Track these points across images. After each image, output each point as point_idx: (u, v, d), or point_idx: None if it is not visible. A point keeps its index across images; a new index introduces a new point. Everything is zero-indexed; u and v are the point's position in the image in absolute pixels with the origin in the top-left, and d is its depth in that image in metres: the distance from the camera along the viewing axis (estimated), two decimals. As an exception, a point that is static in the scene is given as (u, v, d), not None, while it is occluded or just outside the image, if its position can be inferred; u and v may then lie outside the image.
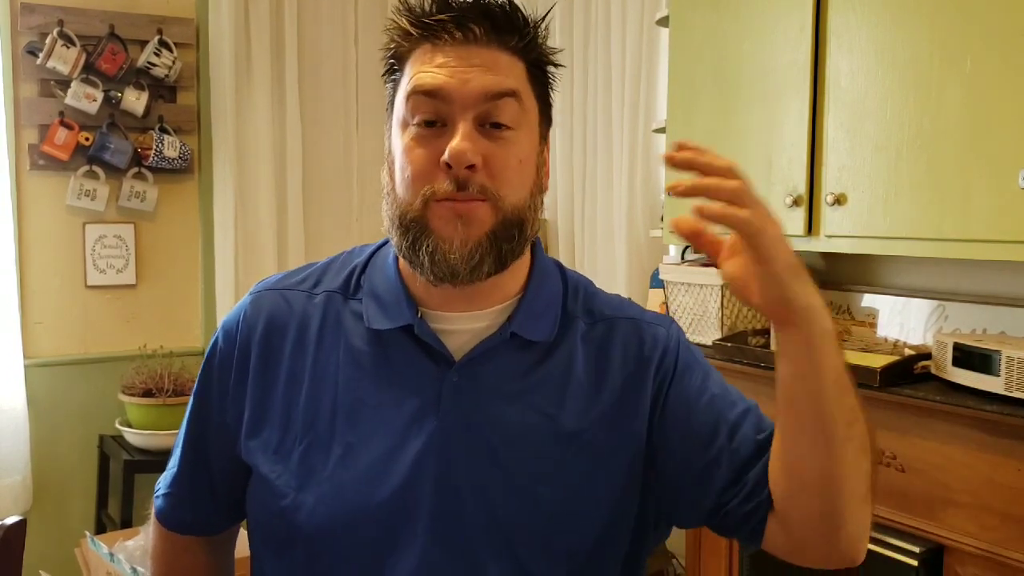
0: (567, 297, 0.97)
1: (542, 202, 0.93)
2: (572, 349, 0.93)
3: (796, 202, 1.94)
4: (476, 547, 0.87)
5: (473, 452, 0.88)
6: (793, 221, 1.95)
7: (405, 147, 0.87)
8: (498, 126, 0.86)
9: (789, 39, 1.95)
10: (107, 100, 2.90)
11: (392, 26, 0.90)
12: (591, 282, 1.02)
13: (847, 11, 1.85)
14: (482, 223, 0.85)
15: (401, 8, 0.90)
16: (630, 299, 1.04)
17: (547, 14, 0.94)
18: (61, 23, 2.83)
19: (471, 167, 0.84)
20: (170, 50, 2.98)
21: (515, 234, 0.87)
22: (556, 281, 0.97)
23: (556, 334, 0.93)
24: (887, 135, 1.78)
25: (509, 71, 0.87)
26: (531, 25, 0.89)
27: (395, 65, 0.91)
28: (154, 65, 2.96)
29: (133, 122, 2.97)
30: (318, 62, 3.30)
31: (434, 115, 0.85)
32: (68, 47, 2.82)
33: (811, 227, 1.94)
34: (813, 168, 1.93)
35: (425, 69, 0.86)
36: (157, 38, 2.96)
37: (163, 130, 3.01)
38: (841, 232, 1.87)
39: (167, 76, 2.98)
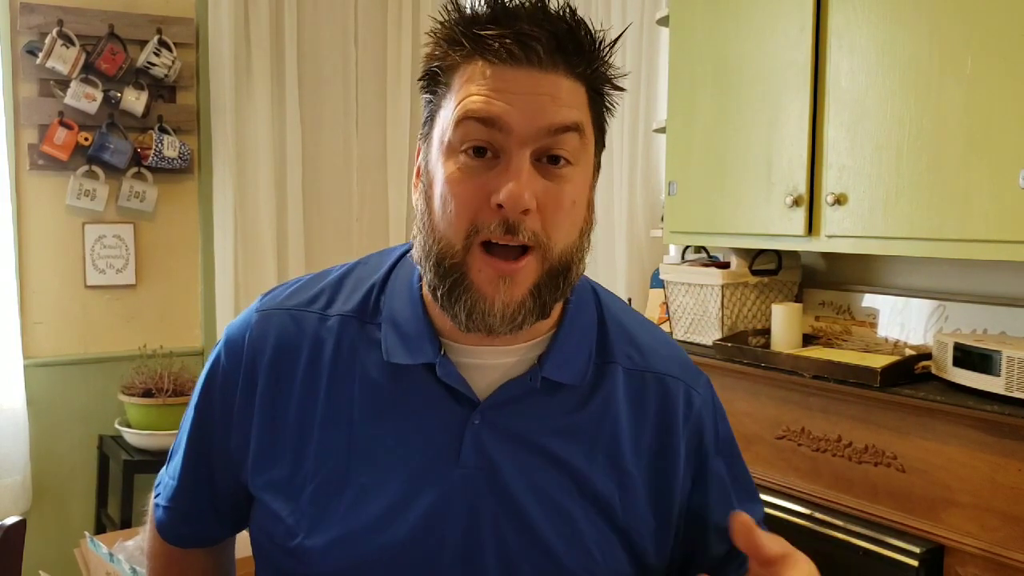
0: (605, 334, 0.89)
1: (590, 242, 0.84)
2: (610, 401, 0.87)
3: (796, 202, 1.94)
4: None
5: (493, 501, 0.83)
6: (793, 221, 1.95)
7: (450, 177, 0.78)
8: (555, 160, 0.78)
9: (789, 39, 1.95)
10: (107, 100, 2.89)
11: (438, 30, 0.80)
12: (627, 309, 0.96)
13: (847, 11, 1.84)
14: (526, 280, 0.78)
15: (450, 10, 0.79)
16: (660, 329, 0.97)
17: (619, 37, 0.84)
18: (61, 23, 2.83)
19: (525, 211, 0.76)
20: (170, 50, 2.98)
21: (560, 282, 0.80)
22: (591, 314, 0.90)
23: (591, 376, 0.87)
24: (887, 135, 1.77)
25: (572, 100, 0.78)
26: (599, 46, 0.80)
27: (439, 76, 0.81)
28: (154, 65, 2.95)
29: (133, 122, 2.97)
30: (318, 62, 3.30)
31: (487, 144, 0.77)
32: (68, 47, 2.82)
33: (811, 227, 1.93)
34: (813, 168, 1.93)
35: (481, 92, 0.76)
36: (157, 38, 2.96)
37: (163, 130, 3.01)
38: (841, 232, 1.87)
39: (167, 76, 2.98)
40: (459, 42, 0.78)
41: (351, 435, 0.84)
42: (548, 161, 0.78)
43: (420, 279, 0.87)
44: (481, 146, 0.77)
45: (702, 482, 0.91)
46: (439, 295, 0.80)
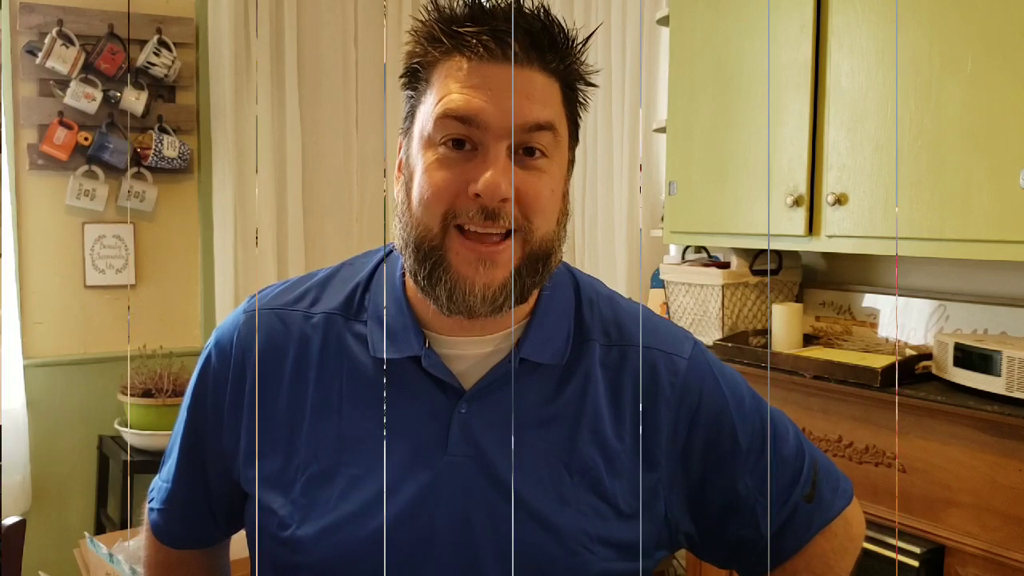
0: (580, 311, 0.91)
1: (567, 231, 0.87)
2: (588, 376, 0.88)
3: (797, 202, 1.94)
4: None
5: (483, 483, 0.84)
6: (794, 221, 1.95)
7: (428, 166, 0.80)
8: (531, 152, 0.81)
9: (789, 39, 1.95)
10: (106, 100, 2.89)
11: (419, 29, 0.82)
12: (604, 290, 0.97)
13: (847, 11, 1.84)
14: (507, 263, 0.80)
15: (430, 10, 0.82)
16: (645, 308, 0.97)
17: (592, 35, 0.87)
18: (60, 23, 2.83)
19: (504, 200, 0.78)
20: (169, 50, 2.98)
21: (540, 268, 0.83)
22: (568, 295, 0.92)
23: (570, 355, 0.88)
24: (887, 135, 1.77)
25: (546, 96, 0.81)
26: (572, 44, 0.83)
27: (419, 72, 0.84)
28: (153, 65, 2.95)
29: (132, 122, 2.97)
30: (318, 62, 3.30)
31: (465, 138, 0.79)
32: (67, 47, 2.82)
33: (812, 227, 1.93)
34: (814, 168, 1.93)
35: (459, 89, 0.79)
36: (156, 37, 2.96)
37: (162, 130, 3.01)
38: (842, 232, 1.87)
39: (166, 76, 2.98)
40: (439, 39, 0.81)
41: (340, 427, 0.86)
42: (524, 153, 0.81)
43: (403, 275, 0.89)
44: (460, 139, 0.79)
45: (708, 443, 0.91)
46: (420, 279, 0.82)
